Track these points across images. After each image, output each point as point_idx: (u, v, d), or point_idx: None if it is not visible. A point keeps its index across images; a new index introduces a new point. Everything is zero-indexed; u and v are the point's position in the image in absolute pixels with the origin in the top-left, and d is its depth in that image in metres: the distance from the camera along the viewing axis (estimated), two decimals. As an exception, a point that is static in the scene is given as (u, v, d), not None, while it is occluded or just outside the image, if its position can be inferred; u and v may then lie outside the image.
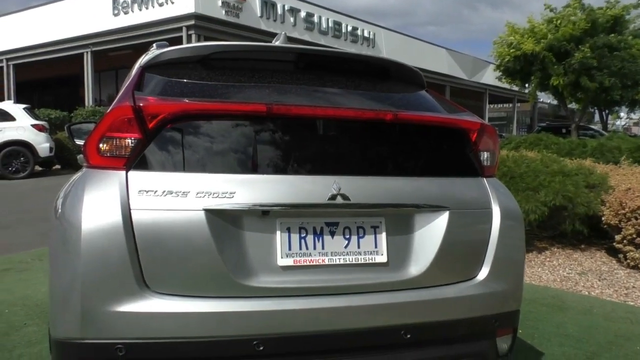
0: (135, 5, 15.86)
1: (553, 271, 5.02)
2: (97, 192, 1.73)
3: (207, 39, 15.08)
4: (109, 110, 1.86)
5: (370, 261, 1.90)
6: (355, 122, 1.97)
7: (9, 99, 19.64)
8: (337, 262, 1.87)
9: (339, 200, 1.84)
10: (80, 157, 2.53)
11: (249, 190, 1.78)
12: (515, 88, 20.02)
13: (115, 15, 16.36)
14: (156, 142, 1.79)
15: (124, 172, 1.76)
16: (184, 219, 1.72)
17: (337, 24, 19.60)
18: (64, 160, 14.86)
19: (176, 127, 1.80)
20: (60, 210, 1.88)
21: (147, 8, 15.53)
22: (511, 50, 17.07)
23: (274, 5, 16.78)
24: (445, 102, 2.45)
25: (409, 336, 1.88)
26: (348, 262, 1.88)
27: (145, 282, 1.70)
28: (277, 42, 2.52)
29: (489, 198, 2.11)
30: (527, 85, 19.03)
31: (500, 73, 18.15)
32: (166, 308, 1.69)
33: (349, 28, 20.22)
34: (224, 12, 15.27)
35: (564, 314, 3.81)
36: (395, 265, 1.93)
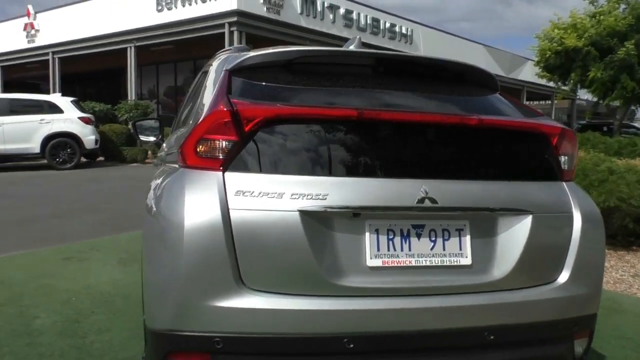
0: (179, 2, 16.12)
1: (605, 273, 4.94)
2: (197, 192, 1.81)
3: (248, 35, 15.23)
4: (205, 113, 1.93)
5: (455, 263, 1.93)
6: (441, 126, 2.00)
7: (54, 91, 20.23)
8: (423, 263, 1.90)
9: (427, 203, 1.88)
10: (161, 155, 2.63)
11: (341, 192, 1.83)
12: (554, 84, 19.59)
13: (159, 11, 16.65)
14: (251, 145, 1.85)
15: (220, 173, 1.83)
16: (279, 220, 1.78)
17: (376, 21, 19.54)
18: (108, 152, 15.26)
19: (271, 130, 1.86)
20: (157, 209, 1.97)
21: (190, 4, 15.77)
22: (553, 45, 16.70)
23: (313, 2, 16.83)
24: (519, 105, 2.46)
25: (492, 337, 1.91)
26: (434, 264, 1.91)
27: (242, 279, 1.77)
28: (351, 47, 2.56)
29: (569, 202, 2.12)
30: (566, 81, 18.63)
31: (540, 69, 17.80)
32: (261, 304, 1.75)
33: (387, 25, 20.13)
34: (265, 9, 15.39)
35: (620, 317, 3.76)
36: (479, 267, 1.96)
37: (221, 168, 1.84)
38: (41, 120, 13.20)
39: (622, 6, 17.65)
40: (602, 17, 17.36)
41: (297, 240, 1.79)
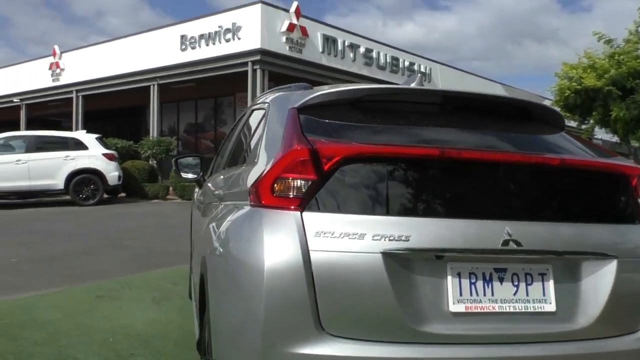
0: (203, 41, 16.43)
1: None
2: (276, 233, 1.74)
3: (271, 74, 15.45)
4: (280, 151, 1.88)
5: (539, 310, 1.83)
6: (523, 166, 1.93)
7: (77, 128, 20.56)
8: (507, 309, 1.81)
9: (512, 246, 1.79)
10: (218, 193, 2.58)
11: (424, 233, 1.76)
12: (574, 124, 19.50)
13: (183, 50, 16.99)
14: (330, 184, 1.79)
15: (299, 213, 1.77)
16: (361, 262, 1.71)
17: (395, 59, 19.73)
18: (130, 188, 15.34)
19: (350, 169, 1.81)
20: (228, 250, 1.91)
21: (213, 44, 16.06)
22: (572, 84, 16.72)
23: (334, 41, 17.08)
24: (589, 144, 2.39)
25: None
26: (517, 310, 1.81)
27: (321, 324, 1.68)
28: (412, 85, 2.52)
29: None
30: (585, 120, 18.57)
31: (560, 108, 17.75)
32: (342, 352, 1.66)
33: (406, 63, 20.32)
34: (287, 47, 15.64)
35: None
36: (563, 315, 1.85)
37: (299, 208, 1.78)
38: (66, 156, 13.35)
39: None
40: (622, 57, 17.40)
41: (379, 283, 1.70)
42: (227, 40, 15.72)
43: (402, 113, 2.19)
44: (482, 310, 1.78)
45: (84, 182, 13.45)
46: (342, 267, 1.70)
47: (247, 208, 1.95)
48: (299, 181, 1.80)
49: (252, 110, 3.18)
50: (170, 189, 15.43)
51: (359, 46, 18.06)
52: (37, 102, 23.87)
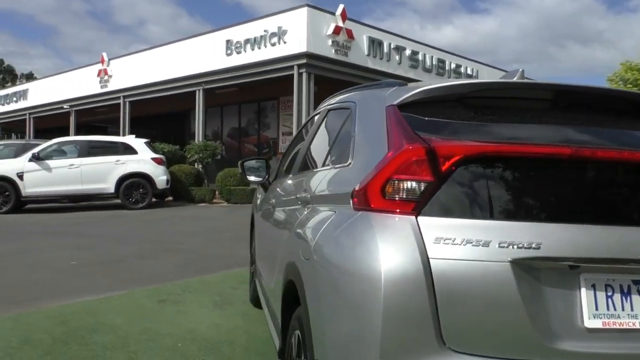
0: (248, 46, 16.50)
1: None
2: (392, 239, 1.59)
3: (316, 77, 15.38)
4: (392, 152, 1.74)
5: None
6: None
7: (124, 133, 20.98)
8: None
9: None
10: (303, 195, 2.45)
11: (556, 240, 1.58)
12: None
13: (228, 55, 17.11)
14: (448, 186, 1.64)
15: (414, 218, 1.62)
16: (487, 271, 1.54)
17: (441, 62, 19.40)
18: (176, 192, 15.50)
19: (470, 169, 1.65)
20: (331, 258, 1.76)
21: (259, 48, 16.11)
22: (628, 87, 16.14)
23: (380, 44, 16.90)
24: None
25: None
26: None
27: (443, 339, 1.52)
28: (514, 80, 2.34)
29: None
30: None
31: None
32: None
33: (452, 65, 19.95)
34: (333, 50, 15.54)
35: None
36: None
37: (414, 212, 1.63)
38: (117, 161, 13.58)
39: None
40: None
41: (507, 295, 1.54)
42: (273, 44, 15.74)
43: (511, 109, 2.01)
44: (620, 327, 1.59)
45: (133, 185, 13.65)
46: (466, 277, 1.54)
47: (350, 212, 1.81)
48: (413, 183, 1.65)
49: (328, 111, 3.06)
50: (217, 192, 15.51)
51: (404, 48, 17.83)
52: (86, 109, 24.51)
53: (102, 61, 23.08)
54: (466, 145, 1.66)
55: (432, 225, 1.60)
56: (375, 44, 16.78)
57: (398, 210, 1.65)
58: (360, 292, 1.59)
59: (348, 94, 2.92)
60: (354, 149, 2.13)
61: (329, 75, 15.69)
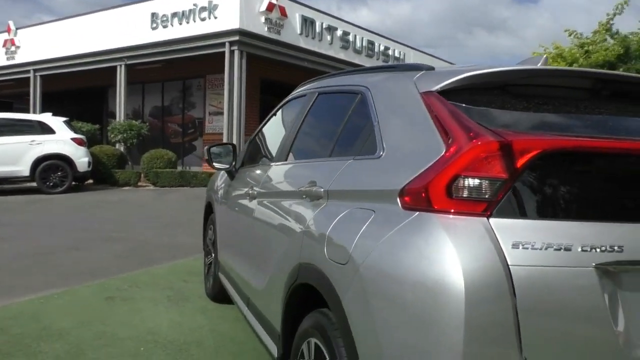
0: (176, 20, 15.63)
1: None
2: (468, 245, 1.40)
3: (249, 55, 14.86)
4: (457, 145, 1.54)
5: None
6: None
7: (34, 110, 19.40)
8: None
9: None
10: (313, 189, 2.19)
11: (638, 242, 1.46)
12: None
13: (154, 29, 16.13)
14: (522, 184, 1.47)
15: (485, 220, 1.44)
16: (570, 278, 1.40)
17: (371, 43, 19.41)
18: (98, 175, 14.56)
19: (546, 166, 1.49)
20: (386, 264, 1.54)
21: (187, 22, 15.29)
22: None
23: (312, 23, 16.58)
24: None
25: None
26: None
27: (523, 354, 1.37)
28: (543, 67, 2.20)
29: None
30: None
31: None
32: None
33: (382, 48, 20.03)
34: (266, 28, 15.04)
35: None
36: None
37: (485, 213, 1.45)
38: (32, 141, 12.47)
39: (609, 38, 18.29)
40: (591, 47, 17.94)
41: (592, 303, 1.41)
42: (203, 19, 15.00)
43: (560, 99, 1.86)
44: None
45: (51, 168, 12.61)
46: (548, 285, 1.39)
47: (399, 212, 1.59)
48: (485, 181, 1.47)
49: (318, 95, 2.81)
50: (142, 175, 14.72)
51: (336, 29, 17.64)
52: (-12, 82, 22.41)
53: (9, 30, 21.11)
54: (544, 140, 1.50)
55: (506, 228, 1.43)
56: (307, 23, 16.46)
57: (468, 212, 1.47)
58: (434, 304, 1.39)
59: (343, 78, 2.69)
60: (381, 139, 1.92)
61: (261, 54, 15.23)
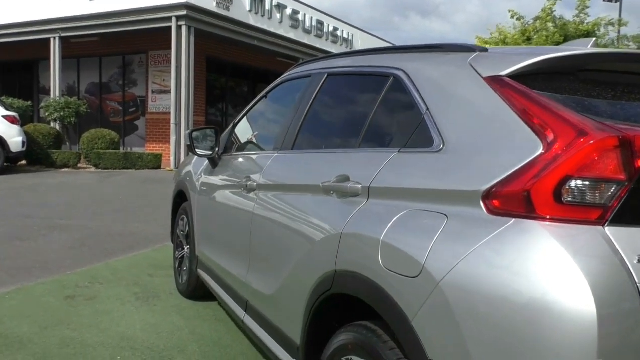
0: (117, -9, 14.67)
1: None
2: (590, 260, 1.20)
3: (197, 31, 14.16)
4: (567, 141, 1.31)
5: None
6: None
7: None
8: None
9: None
10: (344, 185, 1.91)
11: None
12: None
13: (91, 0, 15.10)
14: None
15: (601, 228, 1.24)
16: None
17: (320, 23, 19.05)
18: (33, 156, 13.56)
19: None
20: (478, 280, 1.31)
21: (129, -6, 14.38)
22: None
23: (262, 0, 16.02)
24: None
25: None
26: None
27: None
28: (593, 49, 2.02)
29: None
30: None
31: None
32: None
33: (330, 28, 19.72)
34: (215, 3, 14.33)
35: None
36: None
37: (600, 220, 1.25)
38: (-43, 118, 11.40)
39: (551, 25, 19.02)
40: (532, 33, 18.59)
41: None
42: (147, -8, 14.14)
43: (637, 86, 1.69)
44: None
45: (-20, 148, 11.61)
46: None
47: (486, 218, 1.36)
48: (600, 183, 1.26)
49: (327, 76, 2.53)
50: (82, 156, 13.84)
51: (285, 7, 17.14)
52: None
53: None
54: None
55: (626, 239, 1.23)
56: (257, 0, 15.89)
57: (580, 219, 1.26)
58: (552, 330, 1.17)
59: (361, 58, 2.42)
60: (438, 130, 1.67)
61: (210, 31, 14.56)
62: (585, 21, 19.24)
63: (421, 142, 1.73)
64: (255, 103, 3.37)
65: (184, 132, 13.97)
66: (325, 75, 2.54)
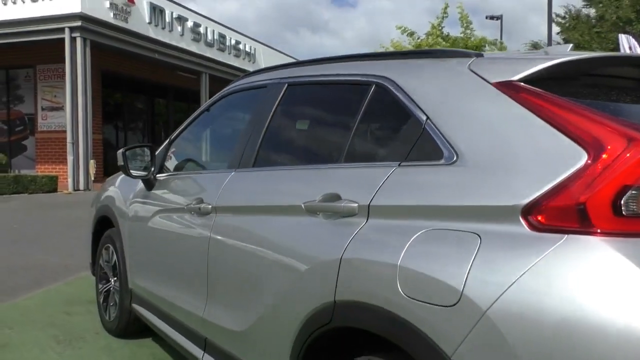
0: (-1, -1, 13.42)
1: None
2: None
3: (92, 43, 13.28)
4: (621, 150, 1.21)
5: None
6: None
7: None
8: None
9: None
10: (335, 205, 1.71)
11: None
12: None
13: (-31, 8, 13.68)
14: None
15: None
16: None
17: (222, 37, 18.70)
18: None
19: None
20: (538, 311, 1.17)
21: (14, 3, 13.18)
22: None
23: (162, 12, 15.38)
24: None
25: None
26: None
27: None
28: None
29: None
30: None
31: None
32: None
33: (232, 42, 19.44)
34: (112, 14, 13.54)
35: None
36: None
37: None
38: None
39: (442, 41, 20.37)
40: (426, 47, 19.90)
41: None
42: (35, 0, 13.06)
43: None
44: None
45: None
46: None
47: (529, 235, 1.24)
48: None
49: (287, 86, 2.34)
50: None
51: (187, 19, 16.65)
52: None
53: None
54: None
55: None
56: (157, 11, 15.25)
57: (634, 232, 1.17)
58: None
59: (328, 66, 2.26)
60: (447, 141, 1.54)
61: (106, 43, 13.74)
62: (472, 38, 20.75)
63: (426, 155, 1.59)
64: (195, 118, 3.08)
65: (82, 151, 13.01)
66: (286, 86, 2.34)
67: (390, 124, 1.84)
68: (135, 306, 3.28)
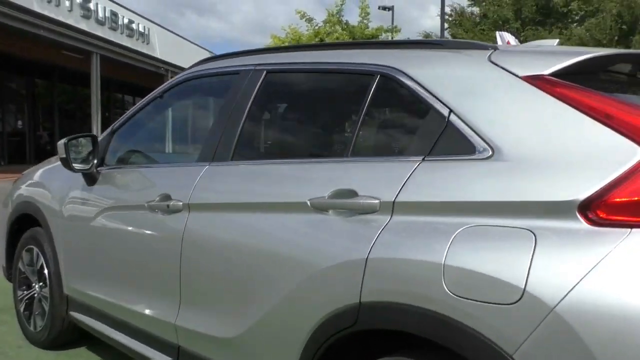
0: None
1: None
2: None
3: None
4: None
5: None
6: None
7: None
8: None
9: None
10: (356, 202, 1.61)
11: None
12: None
13: None
14: None
15: None
16: None
17: (114, 15, 17.43)
18: None
19: None
20: (608, 307, 1.17)
21: None
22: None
23: (47, -15, 14.03)
24: None
25: None
26: None
27: None
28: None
29: None
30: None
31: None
32: None
33: (125, 20, 18.21)
34: (-11, -16, 12.13)
35: None
36: None
37: None
38: None
39: (339, 28, 20.96)
40: (324, 35, 20.46)
41: None
42: None
43: None
44: None
45: None
46: None
47: (593, 230, 1.25)
48: None
49: (266, 73, 2.20)
50: None
51: (75, -6, 15.32)
52: None
53: None
54: None
55: None
56: (41, -17, 13.87)
57: None
58: None
59: (319, 53, 2.15)
60: (480, 135, 1.51)
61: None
62: (369, 26, 21.41)
63: (455, 149, 1.55)
64: (145, 105, 2.80)
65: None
66: (264, 72, 2.19)
67: (402, 117, 1.78)
68: (74, 314, 2.96)
